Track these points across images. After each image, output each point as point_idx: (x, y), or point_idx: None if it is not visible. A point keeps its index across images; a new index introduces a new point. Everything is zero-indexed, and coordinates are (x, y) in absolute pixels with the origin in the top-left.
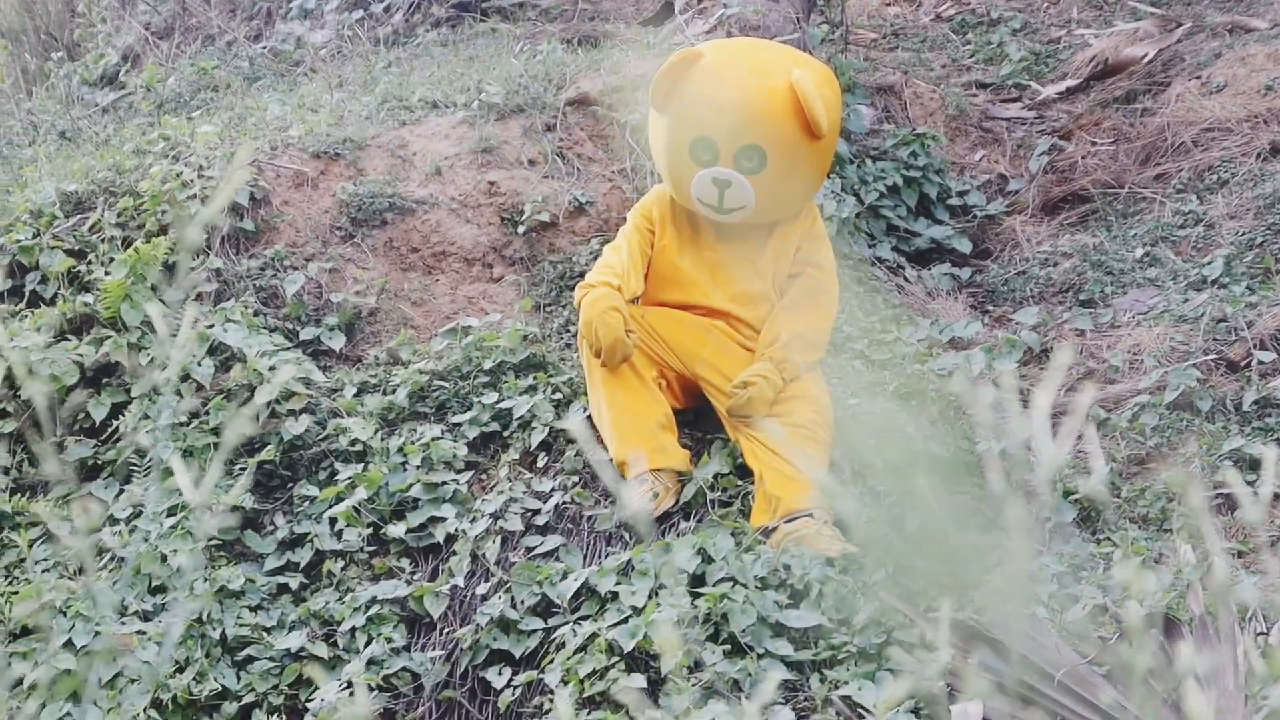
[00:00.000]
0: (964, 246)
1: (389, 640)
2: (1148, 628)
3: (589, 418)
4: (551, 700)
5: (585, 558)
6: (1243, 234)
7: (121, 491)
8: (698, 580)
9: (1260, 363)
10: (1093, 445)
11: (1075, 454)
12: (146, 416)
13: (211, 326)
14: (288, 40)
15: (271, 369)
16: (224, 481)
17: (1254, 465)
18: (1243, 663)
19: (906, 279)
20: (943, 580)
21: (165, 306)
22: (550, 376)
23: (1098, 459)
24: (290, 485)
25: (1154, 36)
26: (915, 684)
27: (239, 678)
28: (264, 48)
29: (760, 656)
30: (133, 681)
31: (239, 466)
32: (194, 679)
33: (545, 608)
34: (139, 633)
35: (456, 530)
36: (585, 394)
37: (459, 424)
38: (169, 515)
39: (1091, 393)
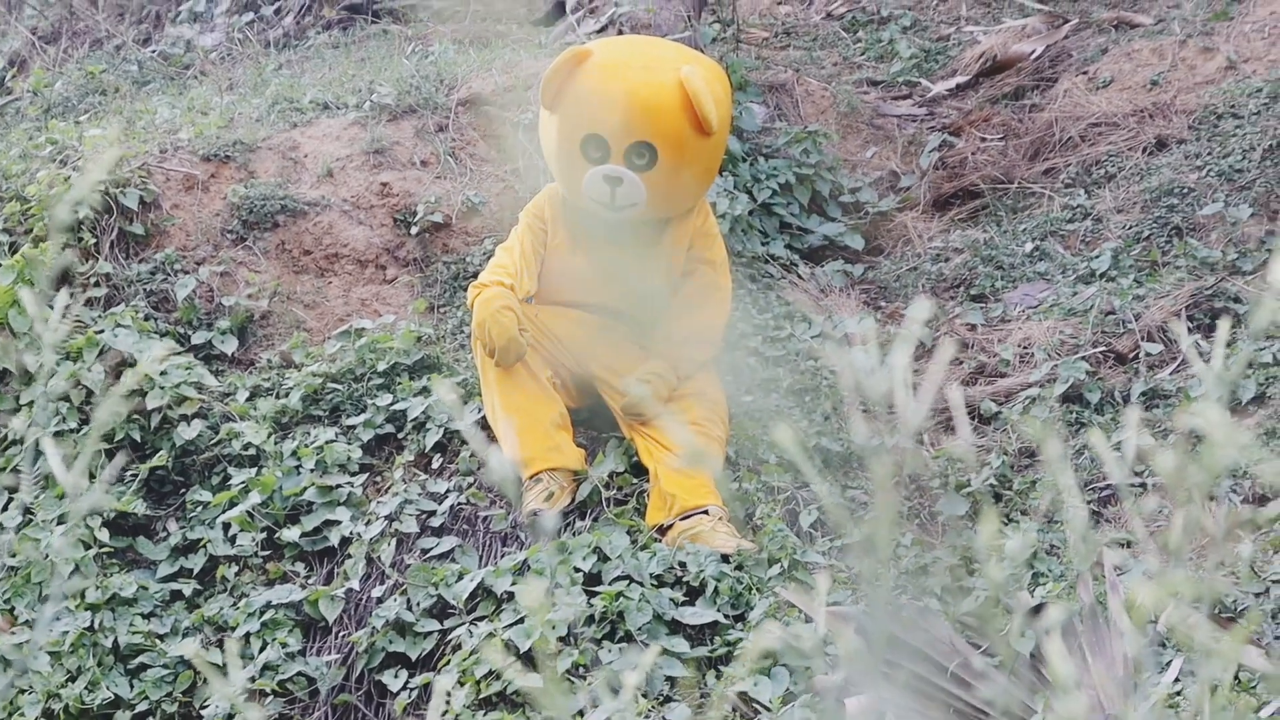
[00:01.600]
0: (856, 243)
1: (284, 645)
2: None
3: (484, 417)
4: (448, 701)
5: (481, 558)
6: (1130, 228)
7: (10, 500)
8: (594, 579)
9: (1148, 354)
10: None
11: (971, 447)
12: (34, 424)
13: (101, 332)
14: (177, 44)
15: (163, 374)
16: (115, 488)
17: (1141, 457)
18: (1130, 653)
19: (800, 276)
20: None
21: (53, 310)
22: (445, 377)
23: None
24: (183, 491)
25: (1042, 33)
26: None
27: (132, 686)
28: (153, 51)
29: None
30: (23, 692)
31: (130, 473)
32: (86, 688)
33: (441, 609)
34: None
35: (351, 533)
36: (480, 394)
37: (353, 426)
38: (59, 523)
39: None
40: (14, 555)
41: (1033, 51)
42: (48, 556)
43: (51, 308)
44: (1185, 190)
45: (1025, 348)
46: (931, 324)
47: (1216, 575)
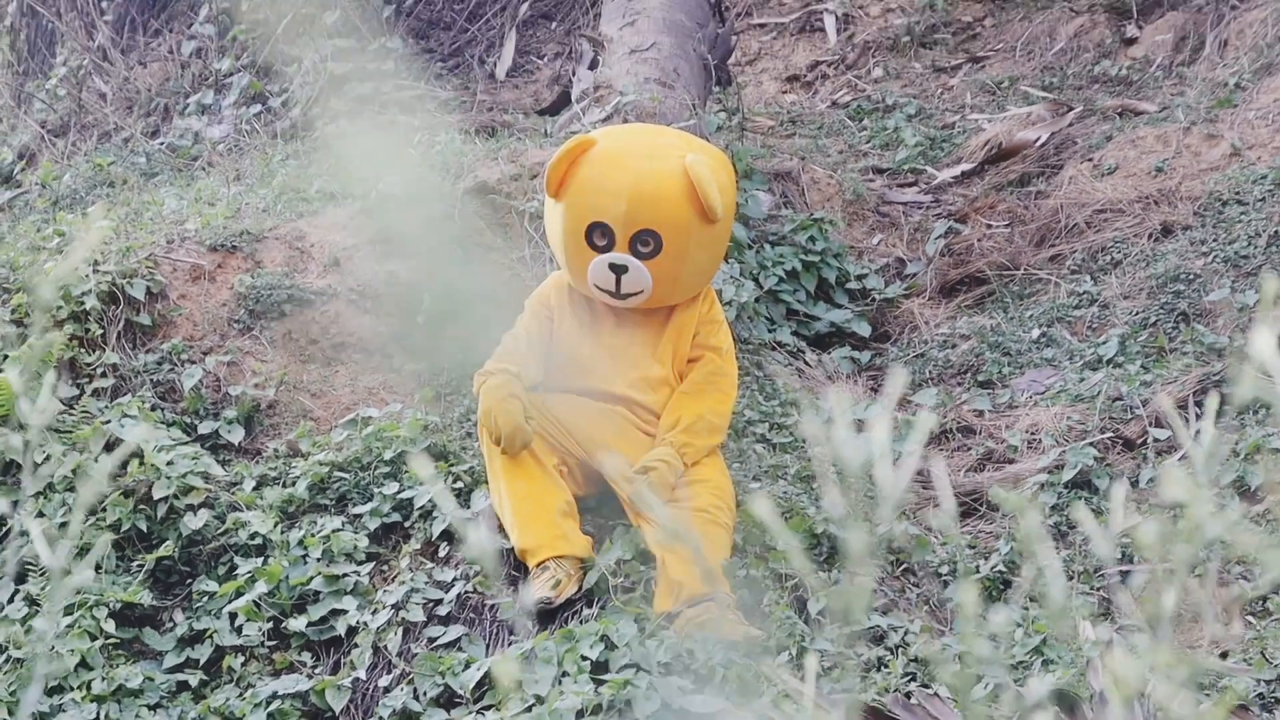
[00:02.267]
0: (863, 330)
1: None
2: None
3: (490, 506)
4: None
5: (488, 647)
6: (1136, 313)
7: (16, 591)
8: (601, 667)
9: (1156, 440)
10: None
11: (975, 535)
12: (41, 514)
13: (108, 422)
14: (185, 136)
15: (169, 464)
16: (121, 578)
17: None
18: None
19: (806, 363)
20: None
21: (60, 403)
22: (451, 465)
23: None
24: (189, 581)
25: (1046, 120)
26: None
27: None
28: (161, 143)
29: None
30: None
31: (136, 564)
32: None
33: (448, 698)
34: None
35: (358, 622)
36: (487, 482)
37: (360, 515)
38: (65, 614)
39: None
40: (18, 646)
41: (1038, 139)
42: (53, 648)
43: (59, 399)
44: (1191, 276)
45: (1033, 434)
46: (938, 410)
47: (1207, 653)
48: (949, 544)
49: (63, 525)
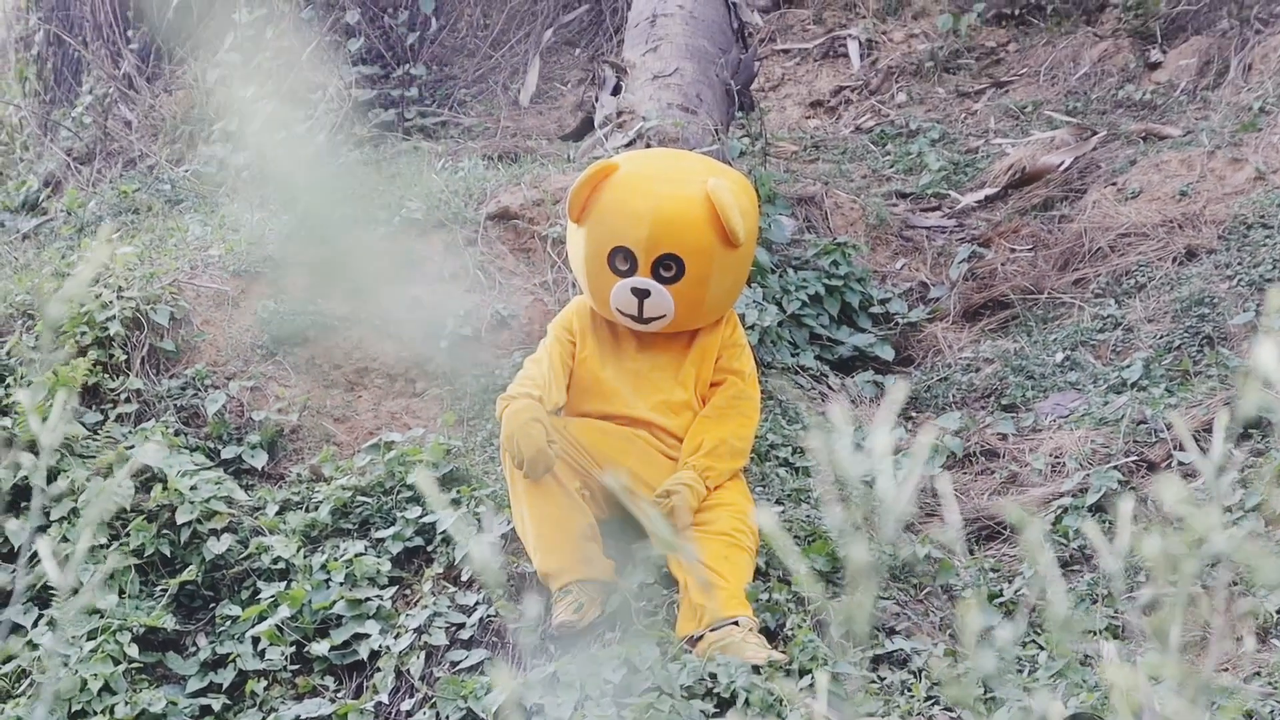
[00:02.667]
0: (886, 354)
1: None
2: None
3: (513, 529)
4: None
5: (510, 671)
6: (1160, 337)
7: (40, 616)
8: (624, 691)
9: (1180, 463)
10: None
11: (999, 559)
12: (65, 539)
13: (132, 447)
14: (210, 163)
15: (193, 489)
16: (145, 603)
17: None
18: None
19: (830, 387)
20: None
21: (84, 428)
22: (474, 490)
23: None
24: (213, 606)
25: (1070, 145)
26: None
27: None
28: (186, 170)
29: None
30: None
31: (160, 588)
32: None
33: None
34: None
35: (381, 646)
36: (509, 506)
37: (382, 539)
38: (89, 639)
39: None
40: (42, 671)
41: (1061, 163)
42: (77, 673)
43: (83, 424)
44: (1215, 300)
45: (1057, 457)
46: (962, 434)
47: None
48: (971, 567)
49: (90, 550)
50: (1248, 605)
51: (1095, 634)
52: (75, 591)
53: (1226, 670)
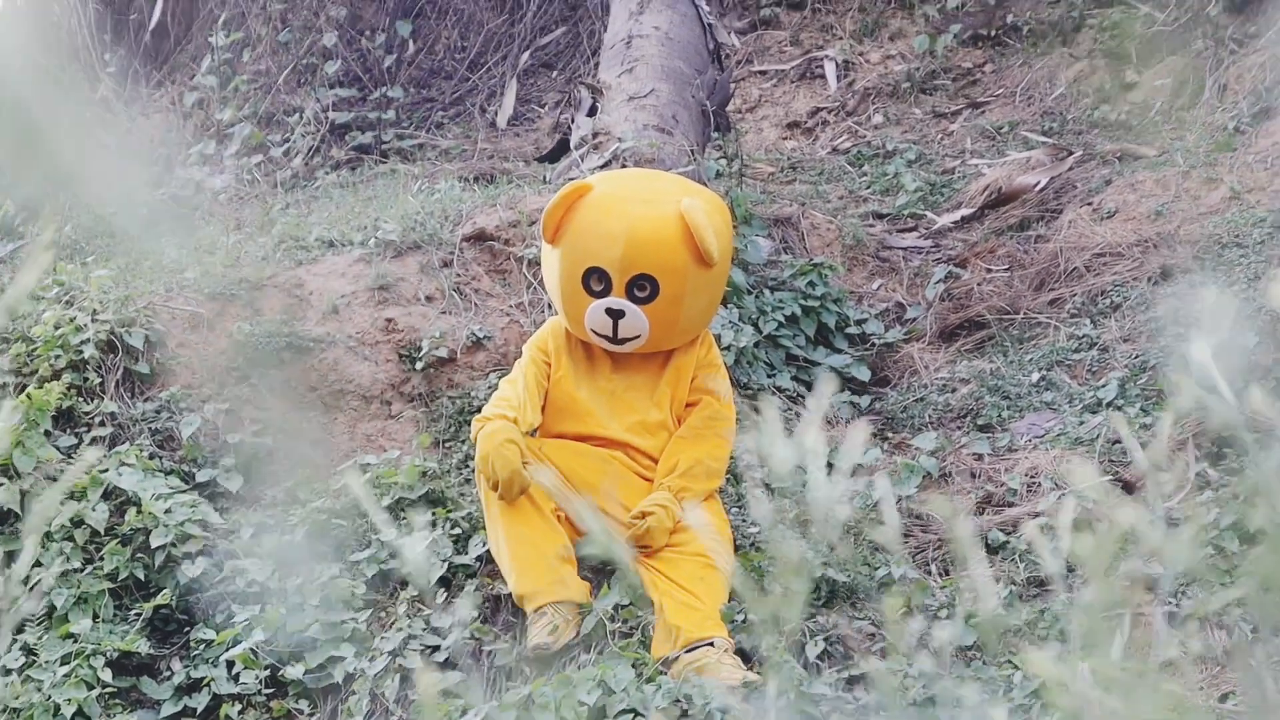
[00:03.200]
0: (863, 374)
1: None
2: None
3: (488, 551)
4: None
5: (486, 693)
6: (1136, 357)
7: (14, 641)
8: (599, 713)
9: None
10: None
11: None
12: (39, 564)
13: (106, 470)
14: (186, 186)
15: (167, 512)
16: (119, 627)
17: (1150, 586)
18: None
19: (806, 408)
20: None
21: (58, 451)
22: (450, 511)
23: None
24: (187, 630)
25: (1046, 165)
26: None
27: None
28: (163, 194)
29: None
30: None
31: (134, 612)
32: None
33: None
34: None
35: (356, 669)
36: (484, 528)
37: (358, 562)
38: (62, 664)
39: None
40: (16, 697)
41: (1037, 183)
42: (50, 698)
43: (57, 448)
44: (1191, 319)
45: (1032, 477)
46: (938, 454)
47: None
48: (948, 587)
49: (61, 575)
50: (1190, 606)
51: (1042, 638)
52: (49, 615)
53: (1202, 689)
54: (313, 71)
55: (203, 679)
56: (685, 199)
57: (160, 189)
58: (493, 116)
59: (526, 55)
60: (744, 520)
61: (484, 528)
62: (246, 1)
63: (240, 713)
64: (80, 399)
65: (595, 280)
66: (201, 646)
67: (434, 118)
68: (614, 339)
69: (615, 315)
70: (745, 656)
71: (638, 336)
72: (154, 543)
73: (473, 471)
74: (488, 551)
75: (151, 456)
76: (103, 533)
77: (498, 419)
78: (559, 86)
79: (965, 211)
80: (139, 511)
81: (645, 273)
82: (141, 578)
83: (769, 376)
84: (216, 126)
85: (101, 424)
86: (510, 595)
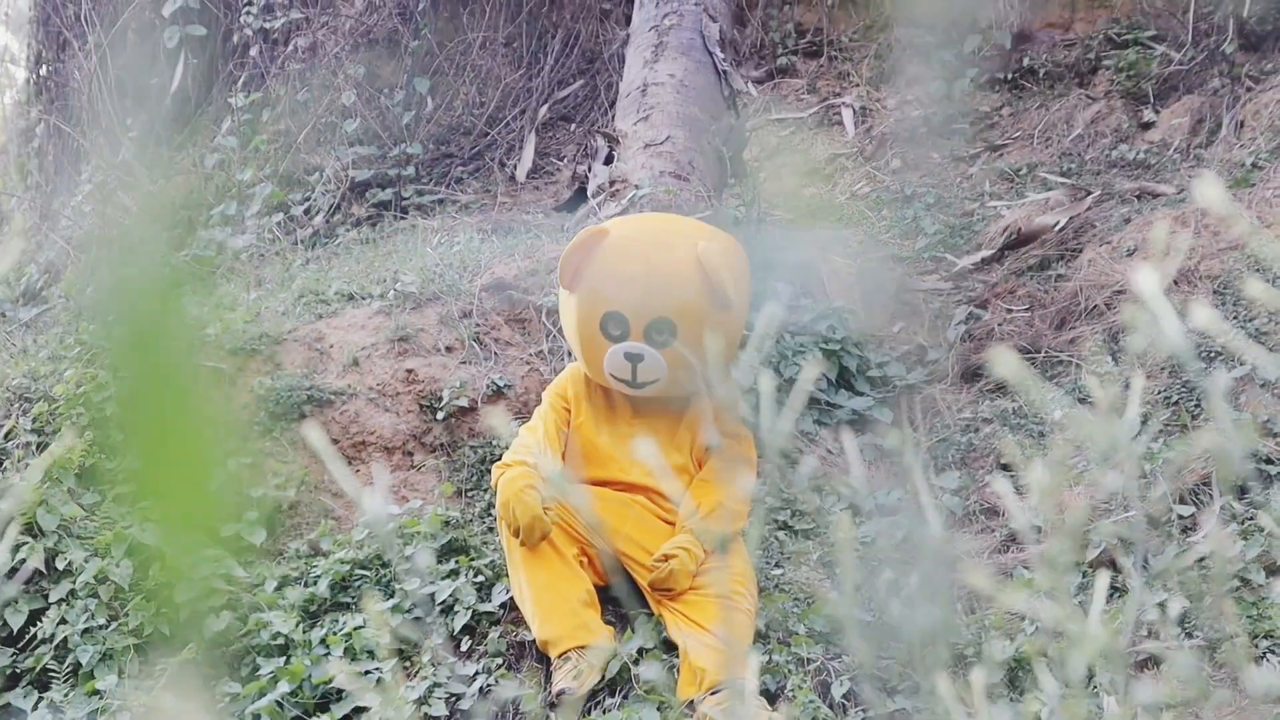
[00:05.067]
0: (885, 416)
1: None
2: None
3: (511, 598)
4: None
5: None
6: (1158, 392)
7: (40, 699)
8: None
9: (1180, 517)
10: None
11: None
12: (64, 621)
13: (130, 527)
14: (209, 247)
15: (191, 567)
16: (144, 683)
17: (1182, 620)
18: None
19: (829, 450)
20: None
21: (82, 509)
22: (472, 560)
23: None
24: (214, 684)
25: (1065, 205)
26: None
27: None
28: (185, 254)
29: None
30: None
31: (159, 667)
32: None
33: None
34: None
35: (381, 719)
36: (508, 575)
37: (381, 612)
38: None
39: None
40: None
41: (1056, 223)
42: None
43: (81, 505)
44: (1213, 354)
45: (1057, 514)
46: (961, 493)
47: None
48: (973, 625)
49: (85, 631)
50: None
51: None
52: (75, 672)
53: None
54: (332, 130)
55: None
56: (701, 242)
57: (183, 250)
58: (512, 170)
59: (545, 109)
60: (767, 561)
61: (507, 575)
62: (265, 62)
63: None
64: (103, 456)
65: (613, 325)
66: (227, 700)
67: (453, 173)
68: (633, 383)
69: (634, 359)
70: (771, 698)
71: (657, 380)
72: (178, 598)
73: (495, 520)
74: (511, 598)
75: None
76: (127, 589)
77: (517, 465)
78: (577, 139)
79: (985, 253)
80: (163, 566)
81: (663, 316)
82: (166, 633)
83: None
84: (238, 187)
85: (125, 481)
86: (534, 641)
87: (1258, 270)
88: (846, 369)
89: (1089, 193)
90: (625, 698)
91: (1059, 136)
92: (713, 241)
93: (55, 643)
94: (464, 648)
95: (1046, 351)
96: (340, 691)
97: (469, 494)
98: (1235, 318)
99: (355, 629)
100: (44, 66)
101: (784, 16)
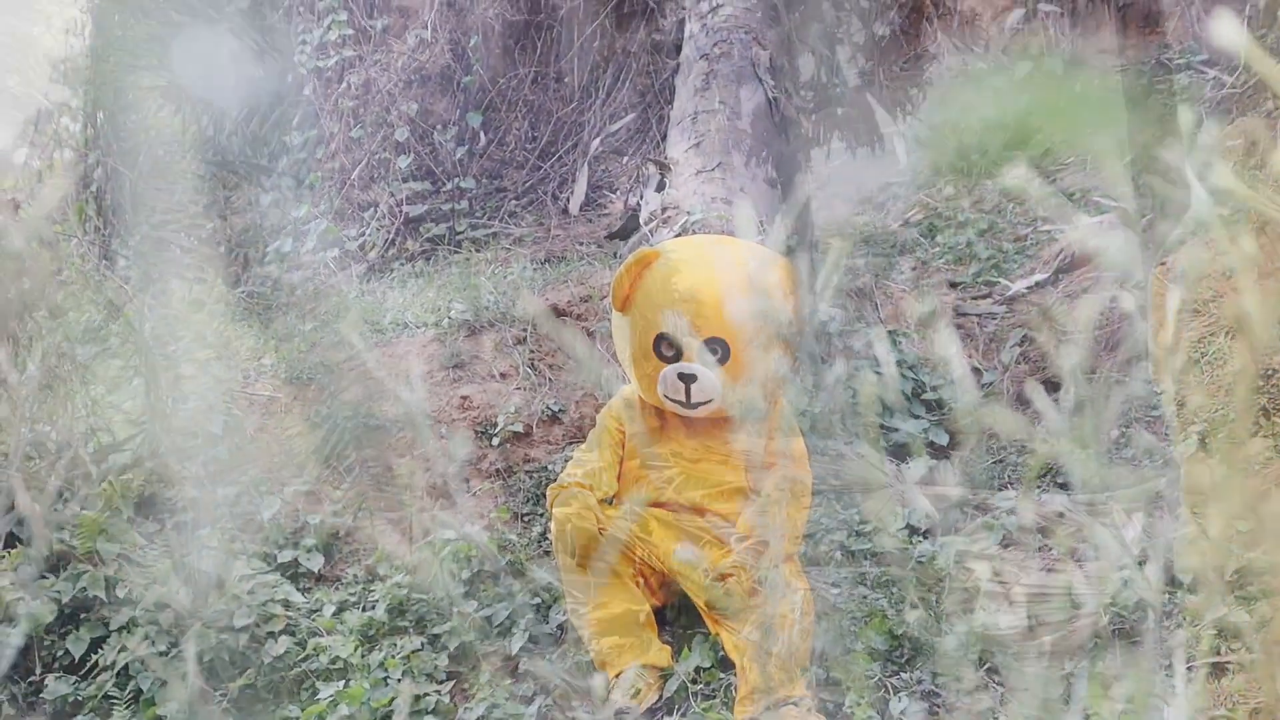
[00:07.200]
0: (941, 438)
1: None
2: None
3: (568, 619)
4: None
5: None
6: (1216, 410)
7: None
8: None
9: (1239, 532)
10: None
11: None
12: (125, 649)
13: (188, 555)
14: (265, 283)
15: (250, 593)
16: (204, 709)
17: (1237, 634)
18: None
19: (884, 473)
20: None
21: (140, 538)
22: (529, 582)
23: None
24: (273, 709)
25: (1118, 228)
26: None
27: None
28: (242, 291)
29: None
30: None
31: (219, 693)
32: None
33: None
34: None
35: None
36: (564, 597)
37: (439, 635)
38: None
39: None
40: None
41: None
42: None
43: (140, 534)
44: (1270, 372)
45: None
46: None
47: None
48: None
49: (146, 659)
50: None
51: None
52: (136, 699)
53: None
54: (386, 166)
55: None
56: (754, 263)
57: (239, 287)
58: (565, 203)
59: (597, 142)
60: (823, 581)
61: (564, 597)
62: (319, 100)
63: None
64: (161, 485)
65: (666, 346)
66: None
67: (506, 207)
68: (687, 404)
69: (688, 380)
70: (829, 715)
71: (710, 400)
72: (237, 623)
73: (551, 544)
74: (568, 619)
75: (233, 539)
76: (187, 615)
77: (573, 486)
78: (630, 171)
79: (1039, 276)
80: (222, 593)
81: (716, 336)
82: (226, 658)
83: (846, 444)
84: (293, 224)
85: (183, 509)
86: (592, 661)
87: None
88: (901, 392)
89: (1142, 215)
90: (683, 716)
91: (1112, 160)
92: (765, 262)
93: (116, 670)
94: (521, 670)
95: (1103, 371)
96: (399, 714)
97: (525, 518)
98: None
99: (413, 652)
100: (101, 113)
101: (835, 41)
